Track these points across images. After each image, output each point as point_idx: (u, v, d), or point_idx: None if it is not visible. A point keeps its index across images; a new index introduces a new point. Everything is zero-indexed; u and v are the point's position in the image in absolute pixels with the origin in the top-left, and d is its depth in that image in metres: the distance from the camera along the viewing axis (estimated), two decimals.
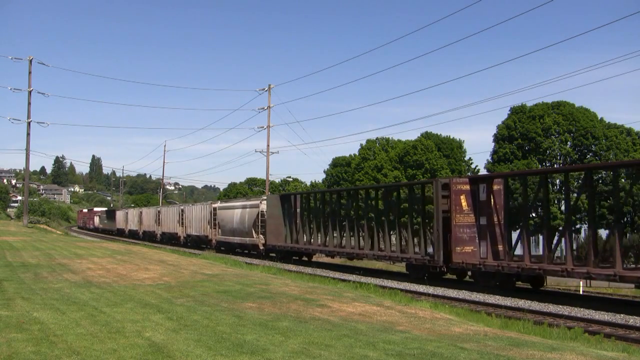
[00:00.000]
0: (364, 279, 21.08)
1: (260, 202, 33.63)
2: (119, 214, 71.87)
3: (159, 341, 7.52)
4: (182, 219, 47.61)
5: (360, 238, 25.28)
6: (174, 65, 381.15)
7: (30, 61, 50.66)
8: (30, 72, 50.76)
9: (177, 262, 20.99)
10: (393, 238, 23.76)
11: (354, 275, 23.09)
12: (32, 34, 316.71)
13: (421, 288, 19.01)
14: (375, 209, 25.72)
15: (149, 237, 56.84)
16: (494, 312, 14.08)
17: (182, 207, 49.38)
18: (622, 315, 14.01)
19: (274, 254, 32.81)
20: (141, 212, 62.31)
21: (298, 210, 30.66)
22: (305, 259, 31.37)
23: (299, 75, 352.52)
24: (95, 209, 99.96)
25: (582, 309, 14.76)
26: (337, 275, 23.14)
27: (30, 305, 10.35)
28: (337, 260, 31.82)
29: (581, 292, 22.45)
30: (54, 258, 21.23)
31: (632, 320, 13.36)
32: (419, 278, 20.97)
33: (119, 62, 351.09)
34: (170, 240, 50.66)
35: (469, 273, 20.72)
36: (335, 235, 27.29)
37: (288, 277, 18.48)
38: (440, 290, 18.60)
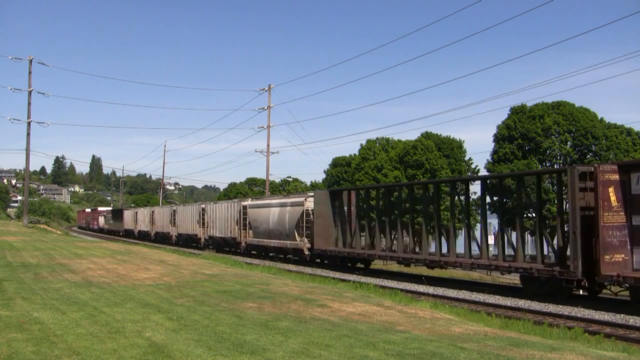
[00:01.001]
0: (364, 279, 21.09)
1: (305, 200, 29.02)
2: (127, 214, 67.18)
3: (159, 341, 7.52)
4: (203, 219, 42.76)
5: (444, 241, 21.38)
6: (174, 65, 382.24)
7: (30, 61, 50.72)
8: (30, 72, 50.91)
9: (177, 262, 21.00)
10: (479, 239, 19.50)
11: (354, 275, 23.10)
12: (32, 34, 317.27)
13: (421, 288, 19.01)
14: (466, 205, 21.44)
15: (162, 239, 52.56)
16: (494, 312, 14.11)
17: (203, 206, 44.18)
18: (622, 315, 14.00)
19: (319, 260, 28.52)
20: (153, 212, 57.19)
21: (353, 208, 26.51)
22: (361, 265, 27.17)
23: (299, 75, 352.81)
24: (100, 208, 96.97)
25: (582, 309, 14.75)
26: (337, 275, 23.15)
27: (31, 305, 10.35)
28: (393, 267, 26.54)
29: None
30: (54, 258, 21.24)
31: (632, 320, 13.36)
32: (541, 294, 16.69)
33: (119, 62, 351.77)
34: (188, 242, 46.24)
35: (609, 288, 16.38)
36: (406, 237, 23.47)
37: (288, 277, 18.50)
38: (440, 290, 18.60)
